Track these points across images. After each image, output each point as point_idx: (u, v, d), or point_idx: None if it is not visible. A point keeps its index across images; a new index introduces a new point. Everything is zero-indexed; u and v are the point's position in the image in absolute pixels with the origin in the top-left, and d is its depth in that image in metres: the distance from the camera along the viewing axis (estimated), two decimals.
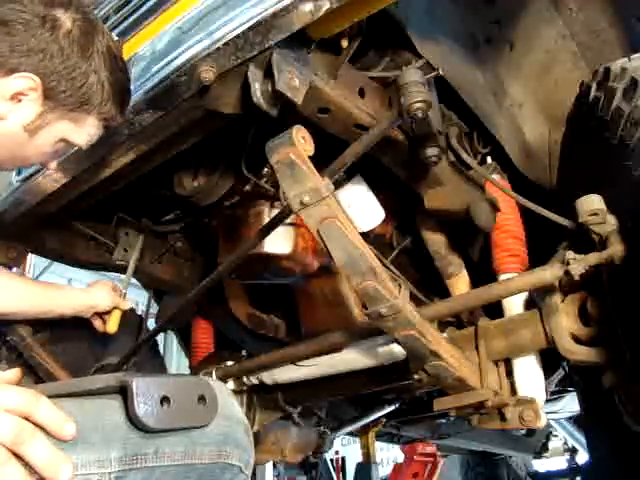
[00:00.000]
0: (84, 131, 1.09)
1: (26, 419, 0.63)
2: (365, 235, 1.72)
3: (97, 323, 1.75)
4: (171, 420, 0.74)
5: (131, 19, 1.31)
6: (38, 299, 1.61)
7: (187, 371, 2.28)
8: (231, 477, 0.84)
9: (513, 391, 1.40)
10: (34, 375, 1.88)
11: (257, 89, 1.12)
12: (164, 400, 0.73)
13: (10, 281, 1.58)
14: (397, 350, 1.47)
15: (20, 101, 0.99)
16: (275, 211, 1.66)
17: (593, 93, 1.28)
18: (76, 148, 1.17)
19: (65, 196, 1.50)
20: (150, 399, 0.73)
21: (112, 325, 1.75)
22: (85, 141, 1.11)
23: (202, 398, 0.78)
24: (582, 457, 4.67)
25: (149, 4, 1.28)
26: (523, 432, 4.13)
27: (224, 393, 0.90)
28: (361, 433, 3.83)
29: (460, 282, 1.78)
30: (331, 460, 6.14)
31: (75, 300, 1.67)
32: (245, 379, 1.87)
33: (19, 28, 0.96)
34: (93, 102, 1.05)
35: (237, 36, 1.08)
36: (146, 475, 0.76)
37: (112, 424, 0.76)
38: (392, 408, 2.70)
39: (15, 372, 0.76)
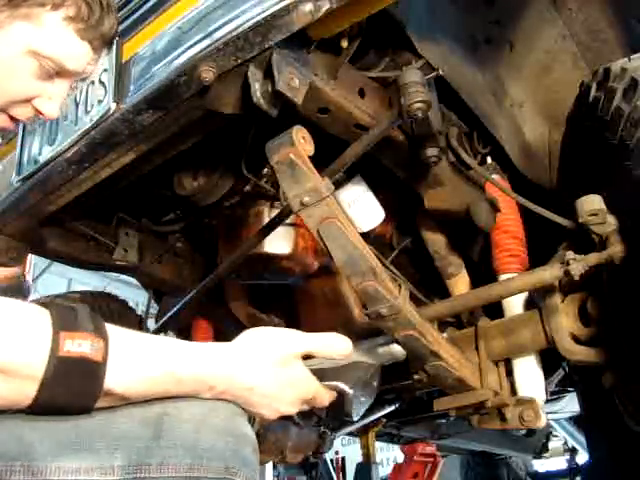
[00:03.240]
0: (49, 34, 0.94)
1: None
2: (365, 235, 1.72)
3: None
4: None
5: (131, 19, 1.31)
6: None
7: None
8: None
9: (513, 391, 1.40)
10: None
11: (257, 89, 1.12)
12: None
13: None
14: (397, 350, 1.47)
15: None
16: (275, 211, 1.66)
17: (593, 93, 1.29)
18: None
19: (65, 196, 1.50)
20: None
21: None
22: (56, 49, 0.95)
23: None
24: (582, 457, 4.67)
25: (149, 4, 1.28)
26: (523, 432, 4.13)
27: (235, 409, 0.90)
28: (361, 433, 3.82)
29: (460, 282, 1.78)
30: (331, 460, 6.13)
31: None
32: None
33: None
34: None
35: (237, 36, 1.08)
36: None
37: (118, 432, 0.76)
38: (392, 408, 2.70)
39: None
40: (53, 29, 0.94)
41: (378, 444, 4.40)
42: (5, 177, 1.51)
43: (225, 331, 2.32)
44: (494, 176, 1.58)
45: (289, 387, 0.82)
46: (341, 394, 0.87)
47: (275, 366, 0.81)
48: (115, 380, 0.68)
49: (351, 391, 0.86)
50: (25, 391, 0.62)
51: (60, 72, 0.99)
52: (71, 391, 0.64)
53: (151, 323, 2.22)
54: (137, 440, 0.76)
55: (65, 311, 0.64)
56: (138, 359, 0.70)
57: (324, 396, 0.86)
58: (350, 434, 3.73)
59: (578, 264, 1.12)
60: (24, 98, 0.99)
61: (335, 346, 0.87)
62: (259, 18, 1.06)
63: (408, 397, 2.55)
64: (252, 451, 0.86)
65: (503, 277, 1.50)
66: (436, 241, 1.77)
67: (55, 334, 0.62)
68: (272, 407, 0.83)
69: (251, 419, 0.85)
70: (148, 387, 0.72)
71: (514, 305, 1.46)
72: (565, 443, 4.92)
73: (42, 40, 0.93)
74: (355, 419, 0.87)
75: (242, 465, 0.83)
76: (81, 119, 1.32)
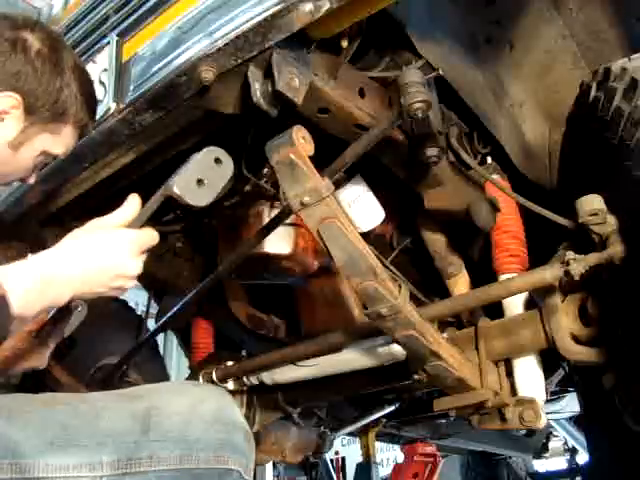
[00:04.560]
0: (62, 141, 1.14)
1: None
2: (365, 235, 1.72)
3: None
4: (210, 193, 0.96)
5: (131, 19, 1.31)
6: None
7: (187, 371, 2.28)
8: None
9: (513, 391, 1.40)
10: (36, 378, 1.88)
11: (257, 89, 1.12)
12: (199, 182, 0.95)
13: None
14: (397, 350, 1.47)
15: (3, 120, 1.05)
16: (275, 211, 1.66)
17: (593, 93, 1.28)
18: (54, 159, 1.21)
19: (65, 196, 1.50)
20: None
21: None
22: (63, 150, 1.16)
23: (218, 160, 0.97)
24: (582, 457, 4.67)
25: (149, 4, 1.28)
26: (523, 432, 4.13)
27: (225, 399, 0.90)
28: (361, 433, 3.82)
29: (460, 282, 1.78)
30: (331, 460, 6.12)
31: None
32: (245, 379, 1.87)
33: None
34: (68, 113, 1.11)
35: (237, 36, 1.08)
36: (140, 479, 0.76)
37: (106, 428, 0.77)
38: (392, 408, 2.70)
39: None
40: (66, 136, 1.14)
41: (378, 444, 4.40)
42: None
43: (225, 331, 2.32)
44: (494, 176, 1.58)
45: (96, 243, 0.95)
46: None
47: (76, 240, 1.00)
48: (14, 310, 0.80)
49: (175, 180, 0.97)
50: None
51: None
52: None
53: (151, 323, 2.22)
54: (126, 435, 0.76)
55: None
56: (19, 292, 0.83)
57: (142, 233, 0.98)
58: (350, 434, 3.72)
59: (578, 264, 1.12)
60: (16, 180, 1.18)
61: (125, 211, 0.99)
62: (259, 18, 1.06)
63: (408, 397, 2.55)
64: (243, 438, 0.87)
65: (503, 277, 1.50)
66: (436, 241, 1.77)
67: None
68: (101, 272, 0.93)
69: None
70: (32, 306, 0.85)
71: (514, 305, 1.46)
72: (565, 443, 4.91)
73: (56, 144, 1.14)
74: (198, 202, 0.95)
75: (232, 452, 0.84)
76: None
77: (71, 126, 1.13)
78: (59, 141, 1.14)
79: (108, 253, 0.93)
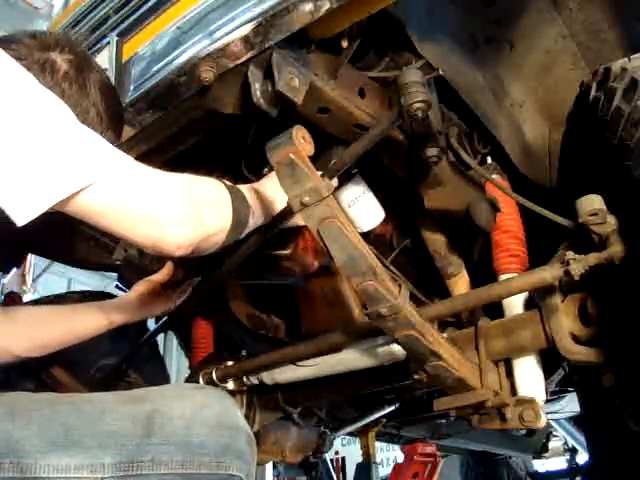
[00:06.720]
0: None
1: None
2: (365, 235, 1.72)
3: None
4: None
5: (131, 19, 1.31)
6: None
7: (187, 371, 2.28)
8: None
9: (513, 391, 1.40)
10: (37, 379, 1.89)
11: (257, 89, 1.13)
12: None
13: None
14: (397, 350, 1.47)
15: None
16: None
17: (593, 93, 1.28)
18: None
19: None
20: None
21: None
22: None
23: None
24: (582, 457, 4.67)
25: (149, 4, 1.28)
26: (523, 432, 4.13)
27: (228, 403, 0.90)
28: (361, 433, 3.82)
29: (460, 282, 1.78)
30: (331, 460, 6.13)
31: None
32: (245, 379, 1.87)
33: None
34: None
35: (237, 36, 1.08)
36: None
37: (109, 431, 0.76)
38: (392, 408, 2.70)
39: None
40: None
41: (378, 444, 4.40)
42: None
43: (225, 331, 2.32)
44: (494, 176, 1.58)
45: None
46: None
47: None
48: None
49: None
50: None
51: None
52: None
53: (151, 323, 2.22)
54: (128, 438, 0.76)
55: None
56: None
57: None
58: (350, 434, 3.72)
59: (578, 264, 1.12)
60: None
61: None
62: (259, 18, 1.06)
63: (408, 397, 2.55)
64: (245, 442, 0.87)
65: (503, 277, 1.50)
66: (436, 241, 1.77)
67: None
68: None
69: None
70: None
71: (514, 305, 1.46)
72: (565, 443, 4.92)
73: None
74: None
75: (235, 458, 0.84)
76: None
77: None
78: None
79: None
